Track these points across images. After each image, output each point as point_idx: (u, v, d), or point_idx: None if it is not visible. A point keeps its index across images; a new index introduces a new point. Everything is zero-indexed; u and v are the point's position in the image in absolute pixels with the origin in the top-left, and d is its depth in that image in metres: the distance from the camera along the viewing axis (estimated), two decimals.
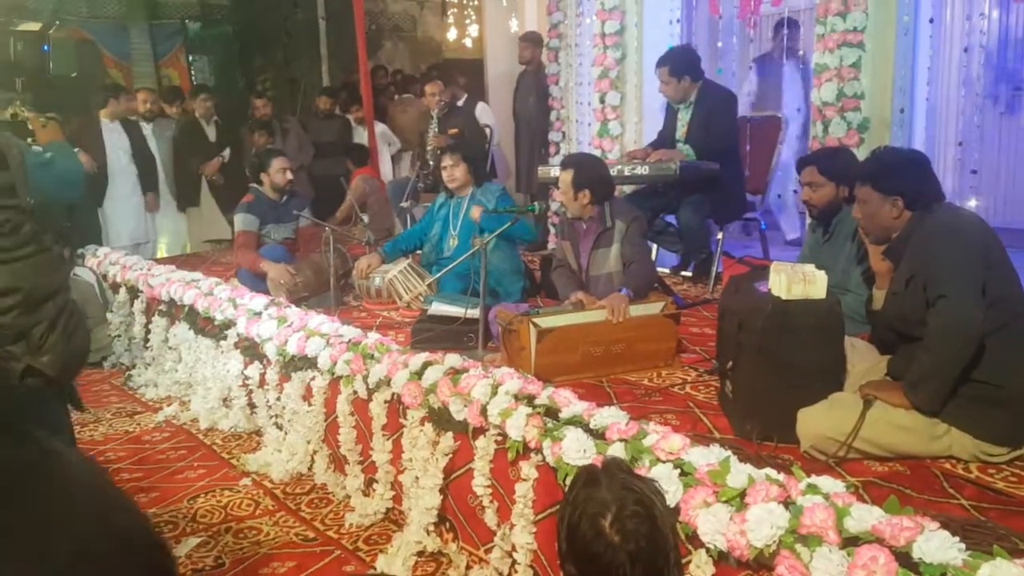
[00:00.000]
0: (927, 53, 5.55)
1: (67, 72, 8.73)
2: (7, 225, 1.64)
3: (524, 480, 2.46)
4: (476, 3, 11.70)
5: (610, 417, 2.40)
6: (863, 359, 2.82)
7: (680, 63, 4.73)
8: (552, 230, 6.71)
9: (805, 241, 3.68)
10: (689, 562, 1.99)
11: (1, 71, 7.65)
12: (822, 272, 2.66)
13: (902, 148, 3.13)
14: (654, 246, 5.01)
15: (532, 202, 4.75)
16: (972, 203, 5.21)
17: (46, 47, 7.30)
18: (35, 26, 7.45)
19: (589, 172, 3.75)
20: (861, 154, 3.94)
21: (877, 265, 2.77)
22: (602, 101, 5.98)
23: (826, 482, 1.95)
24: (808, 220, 3.75)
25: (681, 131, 4.84)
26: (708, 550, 1.97)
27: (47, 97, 6.93)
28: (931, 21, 5.79)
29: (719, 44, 7.14)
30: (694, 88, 4.77)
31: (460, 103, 7.01)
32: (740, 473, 2.01)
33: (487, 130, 6.94)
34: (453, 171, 4.57)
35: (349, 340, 3.46)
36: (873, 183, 2.60)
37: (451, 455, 2.78)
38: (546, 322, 3.32)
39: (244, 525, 3.11)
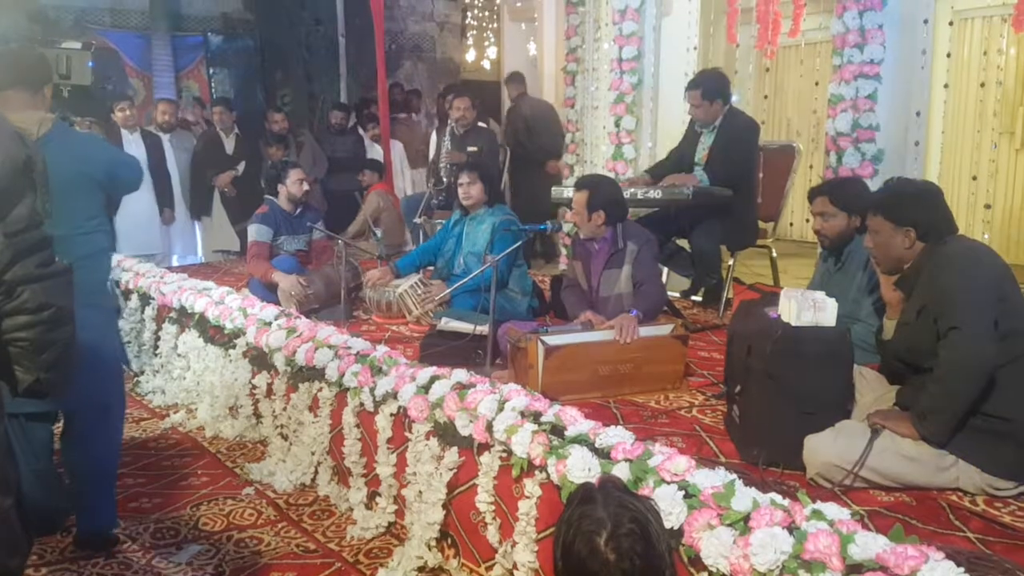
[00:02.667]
0: (943, 87, 5.58)
1: (102, 83, 8.99)
2: (45, 242, 1.67)
3: (528, 497, 2.45)
4: (495, 26, 11.83)
5: (616, 437, 2.39)
6: (872, 389, 2.81)
7: (712, 86, 4.75)
8: (564, 251, 6.74)
9: (816, 269, 3.68)
10: None
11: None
12: (832, 299, 2.66)
13: (915, 179, 3.13)
14: (665, 269, 5.02)
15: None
16: (985, 238, 5.20)
17: (91, 63, 7.61)
18: (76, 44, 7.74)
19: (603, 193, 3.76)
20: (874, 185, 3.95)
21: (888, 295, 2.77)
22: (617, 125, 6.02)
23: (831, 509, 1.94)
24: (819, 249, 3.75)
25: (702, 154, 4.85)
26: (711, 573, 1.96)
27: (85, 106, 7.05)
28: (948, 55, 5.83)
29: (735, 72, 7.18)
30: (721, 112, 4.79)
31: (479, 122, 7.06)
32: (745, 497, 2.00)
33: (502, 150, 6.98)
34: (469, 188, 4.59)
35: (357, 352, 3.47)
36: (885, 213, 2.60)
37: (455, 470, 2.77)
38: (554, 340, 3.32)
39: (246, 534, 3.11)
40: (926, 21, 4.80)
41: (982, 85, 6.06)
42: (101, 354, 2.85)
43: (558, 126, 7.50)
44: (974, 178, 5.78)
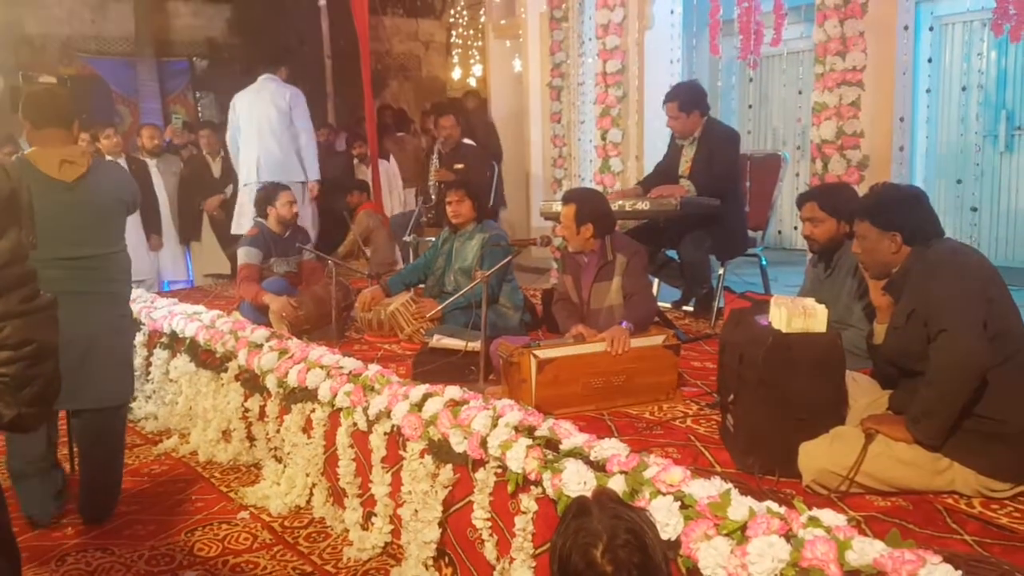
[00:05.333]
0: (925, 92, 5.62)
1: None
2: (28, 276, 1.67)
3: (524, 513, 2.44)
4: (480, 44, 11.89)
5: (610, 449, 2.39)
6: (865, 394, 2.82)
7: (689, 98, 4.78)
8: (554, 265, 6.74)
9: (806, 276, 3.69)
10: None
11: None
12: (822, 306, 2.67)
13: (901, 184, 3.15)
14: (655, 281, 5.03)
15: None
16: (972, 240, 5.23)
17: None
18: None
19: (591, 206, 3.77)
20: (861, 191, 3.97)
21: (877, 300, 2.78)
22: (604, 138, 6.04)
23: (828, 515, 1.94)
24: (809, 255, 3.77)
25: (684, 167, 4.88)
26: None
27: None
28: (929, 61, 5.88)
29: (719, 83, 7.23)
30: (700, 123, 4.82)
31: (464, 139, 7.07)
32: (741, 506, 2.00)
33: (493, 165, 6.99)
34: (459, 207, 4.60)
35: (350, 372, 3.46)
36: (872, 219, 2.61)
37: (450, 487, 2.76)
38: (546, 354, 3.32)
39: (241, 559, 3.08)
40: (907, 27, 4.84)
41: (964, 89, 6.11)
42: (129, 358, 3.53)
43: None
44: (959, 181, 5.82)
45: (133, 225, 6.71)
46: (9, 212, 1.65)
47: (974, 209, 5.46)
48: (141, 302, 5.27)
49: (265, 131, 5.90)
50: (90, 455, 3.39)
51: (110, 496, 3.45)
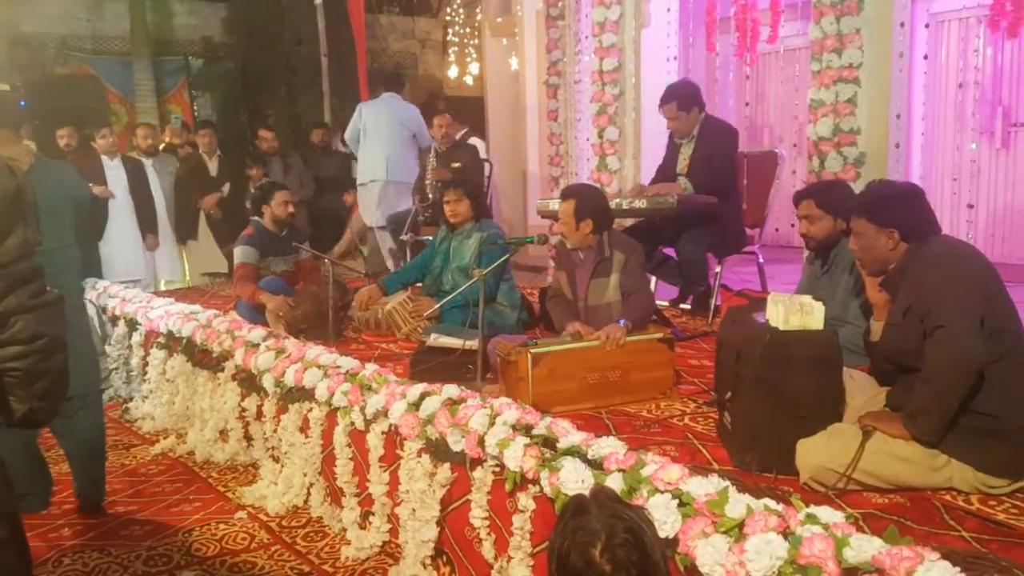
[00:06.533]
0: (922, 89, 5.62)
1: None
2: (36, 272, 1.67)
3: (522, 511, 2.44)
4: (476, 42, 11.88)
5: (608, 447, 2.39)
6: (862, 391, 2.81)
7: (686, 95, 4.78)
8: (551, 263, 6.74)
9: (803, 273, 3.69)
10: None
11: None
12: (819, 303, 2.66)
13: (897, 181, 3.15)
14: (653, 279, 5.02)
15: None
16: (969, 237, 5.24)
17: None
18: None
19: (590, 202, 3.77)
20: (858, 188, 3.97)
21: (874, 297, 2.78)
22: (600, 136, 6.04)
23: (825, 512, 1.93)
24: (806, 252, 3.77)
25: (683, 165, 4.88)
26: None
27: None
28: (925, 57, 5.89)
29: (716, 81, 7.23)
30: (698, 120, 4.82)
31: (457, 136, 7.07)
32: (739, 503, 1.99)
33: (487, 165, 6.99)
34: (457, 206, 4.59)
35: (347, 371, 3.45)
36: (868, 215, 2.61)
37: (448, 486, 2.76)
38: (541, 349, 3.32)
39: (239, 559, 3.08)
40: (903, 24, 4.84)
41: (960, 86, 6.11)
42: (87, 349, 3.61)
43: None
44: (955, 179, 5.82)
45: (129, 224, 6.77)
46: (15, 209, 1.66)
47: (970, 206, 5.46)
48: (137, 302, 5.27)
49: (392, 137, 6.75)
50: (68, 445, 3.50)
51: (97, 481, 3.58)
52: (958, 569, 1.68)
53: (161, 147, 7.63)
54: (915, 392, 2.41)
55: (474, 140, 7.50)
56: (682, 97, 4.77)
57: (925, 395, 2.37)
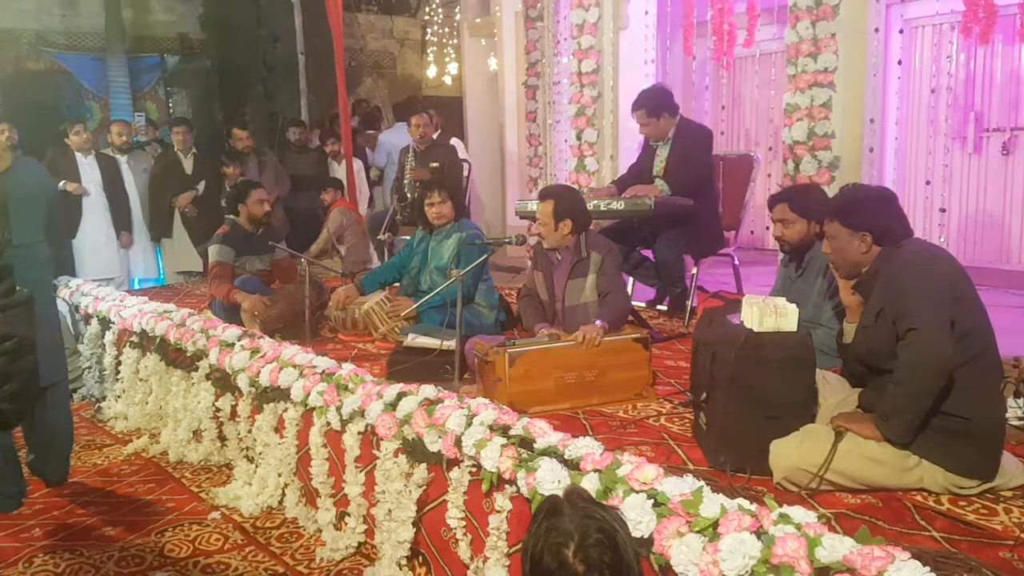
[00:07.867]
0: (896, 94, 5.69)
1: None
2: (4, 272, 1.65)
3: (498, 512, 2.44)
4: (455, 42, 11.87)
5: (584, 447, 2.39)
6: (835, 392, 2.84)
7: (655, 103, 4.80)
8: (529, 263, 6.75)
9: (778, 276, 3.72)
10: None
11: None
12: (793, 305, 2.69)
13: (870, 185, 3.18)
14: (630, 280, 5.04)
15: None
16: (941, 241, 5.31)
17: None
18: None
19: (569, 202, 3.78)
20: (832, 192, 4.01)
21: (847, 299, 2.81)
22: (579, 138, 6.06)
23: (798, 512, 1.95)
24: (780, 255, 3.80)
25: (659, 167, 4.90)
26: None
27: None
28: (899, 63, 5.96)
29: (693, 84, 7.28)
30: (672, 124, 4.84)
31: (435, 136, 7.05)
32: (713, 503, 2.01)
33: (465, 165, 6.98)
34: (441, 208, 4.57)
35: (323, 371, 3.43)
36: (841, 219, 2.64)
37: (424, 487, 2.75)
38: (518, 348, 3.33)
39: (212, 560, 3.05)
40: (877, 30, 4.90)
41: (933, 91, 6.19)
42: (56, 342, 3.65)
43: None
44: (928, 183, 5.90)
45: (103, 222, 6.69)
46: None
47: (943, 210, 5.52)
48: (110, 300, 5.21)
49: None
50: (38, 429, 3.63)
51: (60, 458, 3.73)
52: (928, 569, 1.70)
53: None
54: (887, 394, 2.44)
55: (454, 140, 7.49)
56: (651, 106, 4.80)
57: (897, 396, 2.40)
